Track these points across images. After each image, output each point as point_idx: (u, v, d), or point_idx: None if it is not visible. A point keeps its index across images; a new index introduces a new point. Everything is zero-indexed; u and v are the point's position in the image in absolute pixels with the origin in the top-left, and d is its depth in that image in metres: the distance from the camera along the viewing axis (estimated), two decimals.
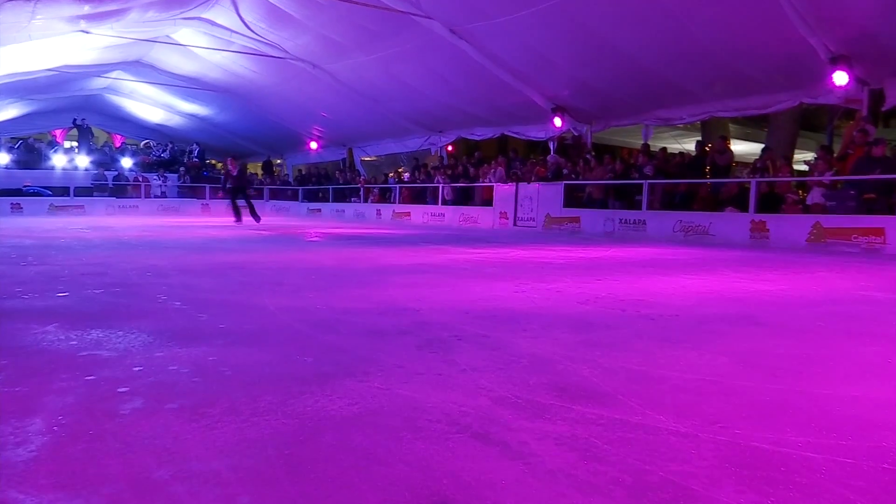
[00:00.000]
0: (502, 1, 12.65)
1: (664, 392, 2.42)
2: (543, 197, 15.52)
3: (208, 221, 18.77)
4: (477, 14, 13.41)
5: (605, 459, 1.78)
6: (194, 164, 28.20)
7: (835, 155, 12.33)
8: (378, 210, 21.78)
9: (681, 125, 17.37)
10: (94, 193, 23.94)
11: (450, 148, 22.44)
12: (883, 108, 12.17)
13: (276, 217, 23.81)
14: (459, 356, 2.90)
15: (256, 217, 15.60)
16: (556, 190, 15.28)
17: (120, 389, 2.34)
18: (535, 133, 18.06)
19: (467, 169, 19.47)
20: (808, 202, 11.67)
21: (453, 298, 4.58)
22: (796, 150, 17.84)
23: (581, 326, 3.64)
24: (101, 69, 21.98)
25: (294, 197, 26.93)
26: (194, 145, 28.91)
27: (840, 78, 11.07)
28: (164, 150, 28.68)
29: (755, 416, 2.16)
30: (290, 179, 29.39)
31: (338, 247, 9.83)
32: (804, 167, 16.84)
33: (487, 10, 13.16)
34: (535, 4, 12.31)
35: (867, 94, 11.77)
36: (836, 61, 11.00)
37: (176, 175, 26.94)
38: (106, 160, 26.81)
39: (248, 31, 17.31)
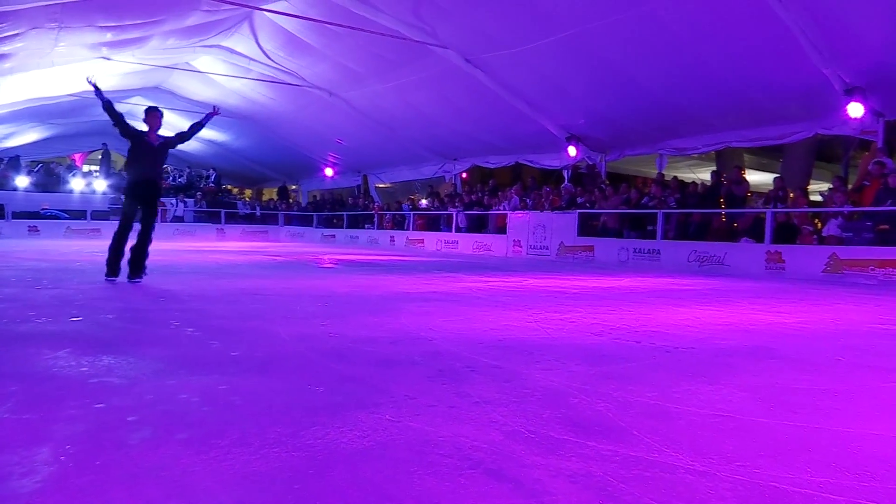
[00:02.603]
0: (517, 31, 12.77)
1: (681, 428, 2.37)
2: (557, 225, 15.50)
3: (223, 246, 18.89)
4: (492, 44, 13.55)
5: (620, 498, 1.73)
6: (211, 189, 28.50)
7: (850, 187, 12.24)
8: (392, 237, 21.84)
9: (695, 155, 17.35)
10: (111, 217, 24.18)
11: (464, 175, 22.54)
12: None
13: (291, 243, 23.94)
14: (472, 388, 2.86)
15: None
16: (570, 218, 15.26)
17: (129, 418, 2.32)
18: (549, 161, 18.11)
19: (482, 197, 19.51)
20: (824, 233, 11.57)
21: (466, 328, 4.54)
22: (811, 181, 17.75)
23: (595, 358, 3.59)
24: (121, 95, 22.34)
25: (309, 223, 27.08)
26: (211, 170, 29.24)
27: (855, 109, 11.05)
28: (181, 175, 29.01)
29: (775, 455, 2.10)
30: (305, 205, 29.59)
31: (351, 273, 9.83)
32: (819, 198, 16.74)
33: (502, 40, 13.29)
34: (549, 35, 12.43)
35: (882, 126, 11.73)
36: (851, 92, 10.99)
37: (192, 200, 27.22)
38: (124, 184, 27.10)
39: (267, 58, 17.59)
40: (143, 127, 7.30)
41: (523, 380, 3.03)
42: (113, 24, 13.43)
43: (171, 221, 25.38)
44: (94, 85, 7.13)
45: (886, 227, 10.54)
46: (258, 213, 28.05)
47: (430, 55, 14.69)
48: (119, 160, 30.45)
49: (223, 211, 26.53)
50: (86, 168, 29.09)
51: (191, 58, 18.97)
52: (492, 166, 20.55)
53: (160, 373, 3.02)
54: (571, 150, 16.46)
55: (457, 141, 19.48)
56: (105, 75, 18.23)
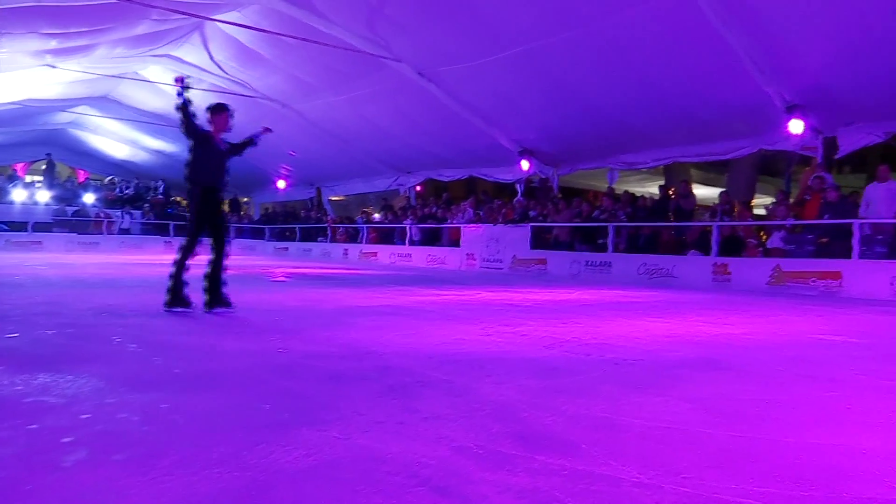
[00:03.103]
0: (470, 46, 12.88)
1: (628, 441, 2.39)
2: (510, 238, 15.61)
3: (172, 259, 18.43)
4: (446, 58, 13.63)
5: None
6: (159, 200, 27.87)
7: (792, 200, 12.67)
8: (345, 250, 21.68)
9: (645, 169, 17.72)
10: (54, 229, 23.45)
11: (419, 188, 22.56)
12: (836, 156, 12.60)
13: (242, 256, 23.54)
14: (422, 403, 2.84)
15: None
16: (522, 232, 15.39)
17: (64, 439, 2.23)
18: (502, 175, 18.26)
19: (436, 210, 19.54)
20: (769, 246, 11.92)
21: (418, 342, 4.52)
22: (756, 195, 18.31)
23: (546, 372, 3.60)
24: (66, 104, 21.76)
25: (261, 235, 26.69)
26: (160, 182, 28.60)
27: (796, 126, 11.45)
28: (128, 187, 28.30)
29: (719, 466, 2.13)
30: (258, 218, 29.17)
31: (303, 287, 9.71)
32: (764, 212, 17.28)
33: (456, 55, 13.39)
34: (502, 50, 12.57)
35: (822, 142, 12.19)
36: (792, 110, 11.39)
37: (140, 212, 26.56)
38: (68, 195, 26.34)
39: (218, 69, 17.34)
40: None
41: (474, 394, 3.02)
42: (57, 32, 13.07)
43: (117, 234, 24.71)
44: (182, 84, 6.17)
45: (826, 239, 10.93)
46: None
47: (384, 68, 14.69)
48: (63, 170, 29.65)
49: (172, 223, 25.95)
50: (28, 178, 28.14)
51: (140, 67, 18.59)
52: (446, 179, 20.62)
53: (99, 391, 2.92)
54: (524, 164, 16.63)
55: (411, 154, 19.50)
56: (49, 83, 17.77)
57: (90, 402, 2.73)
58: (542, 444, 2.30)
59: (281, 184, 25.94)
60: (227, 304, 5.96)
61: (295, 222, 25.49)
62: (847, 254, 10.37)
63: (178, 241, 22.55)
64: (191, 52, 16.81)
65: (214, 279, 5.96)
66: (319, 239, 23.63)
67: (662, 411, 2.81)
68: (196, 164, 5.96)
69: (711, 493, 1.89)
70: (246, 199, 31.13)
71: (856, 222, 10.44)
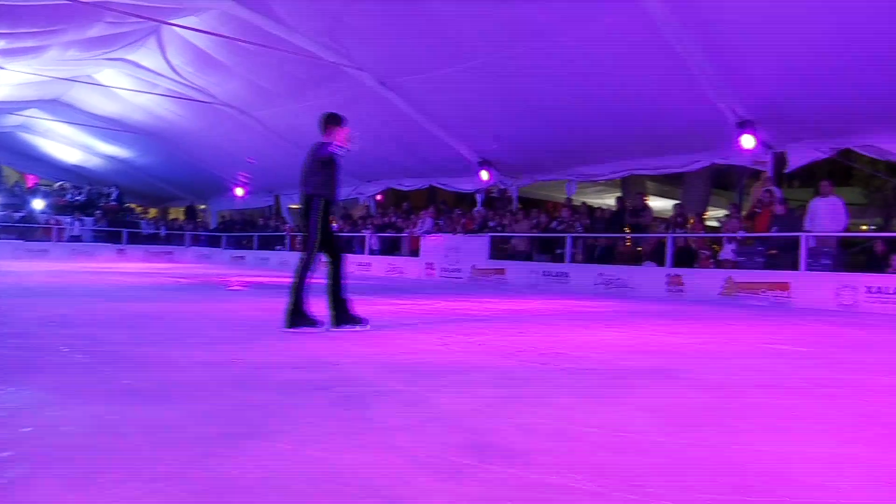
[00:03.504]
0: (431, 56, 12.93)
1: (580, 450, 2.41)
2: (470, 249, 15.67)
3: (124, 267, 18.03)
4: (407, 68, 13.66)
5: None
6: (112, 207, 27.20)
7: (744, 213, 13.01)
8: None
9: (602, 181, 17.99)
10: (0, 236, 22.69)
11: (379, 197, 22.50)
12: (786, 171, 12.99)
13: (198, 264, 23.15)
14: (377, 413, 2.82)
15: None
16: (482, 242, 15.46)
17: (2, 454, 2.15)
18: (462, 185, 18.33)
19: (395, 220, 19.50)
20: (721, 257, 12.21)
21: (375, 352, 4.50)
22: (709, 208, 18.75)
23: (502, 381, 3.62)
24: (14, 106, 21.15)
25: (217, 244, 26.24)
26: (113, 188, 27.95)
27: (747, 141, 11.76)
28: (80, 193, 27.57)
29: (668, 474, 2.17)
30: (214, 226, 28.70)
31: (260, 296, 9.58)
32: (716, 224, 17.70)
33: (417, 65, 13.43)
34: (463, 61, 12.65)
35: (772, 157, 12.56)
36: (744, 125, 11.70)
37: (92, 218, 25.88)
38: (16, 201, 25.52)
39: (175, 74, 17.07)
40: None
41: (428, 404, 3.02)
42: (6, 32, 12.71)
43: (67, 241, 24.01)
44: (344, 148, 5.75)
45: (775, 252, 11.24)
46: (163, 234, 26.95)
47: (344, 76, 14.65)
48: (11, 175, 28.75)
49: (125, 230, 25.36)
50: None
51: (93, 70, 18.18)
52: (406, 189, 20.61)
53: (43, 403, 2.83)
54: (484, 175, 16.73)
55: (371, 163, 19.40)
56: None
57: (33, 414, 2.65)
58: (495, 454, 2.31)
59: (239, 191, 25.57)
60: (357, 321, 5.63)
61: (253, 230, 25.16)
62: (795, 265, 10.68)
63: (132, 249, 21.88)
64: (147, 56, 16.51)
65: (338, 295, 5.64)
66: (277, 248, 23.34)
67: (615, 420, 2.85)
68: (323, 177, 5.64)
69: (658, 501, 1.92)
70: (202, 207, 30.62)
71: (803, 235, 10.77)
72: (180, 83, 17.55)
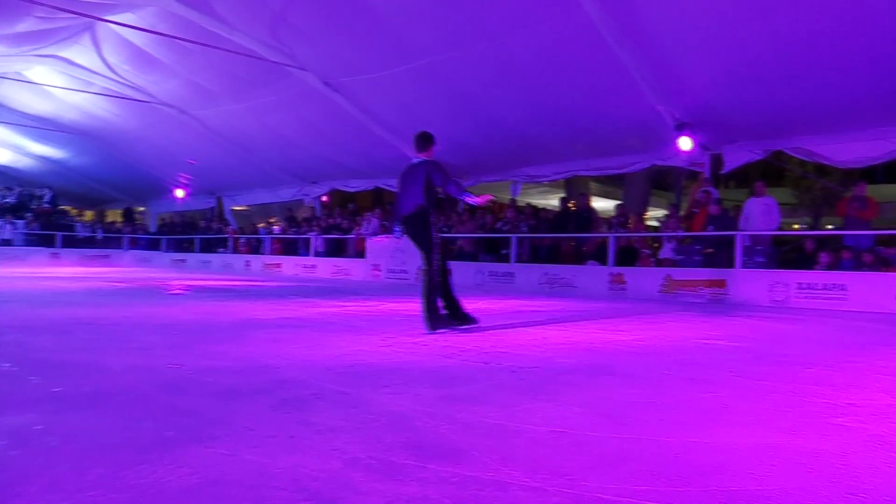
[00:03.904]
0: (376, 57, 12.89)
1: (519, 446, 2.44)
2: (416, 250, 15.61)
3: (58, 272, 17.38)
4: (351, 68, 13.58)
5: None
6: (45, 209, 26.20)
7: (682, 213, 13.38)
8: (247, 261, 21.09)
9: (546, 182, 18.22)
10: None
11: (325, 198, 22.28)
12: (722, 172, 13.42)
13: (137, 268, 22.51)
14: (316, 416, 2.80)
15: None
16: None
17: None
18: None
19: (341, 221, 19.34)
20: (661, 256, 12.52)
21: (317, 354, 4.45)
22: (650, 208, 19.20)
23: (444, 381, 3.63)
24: None
25: (157, 247, 25.55)
26: (46, 190, 26.92)
27: (685, 143, 12.10)
28: (10, 195, 26.46)
29: (602, 467, 2.22)
30: (153, 228, 27.94)
31: (200, 300, 9.37)
32: (657, 223, 18.14)
33: (361, 66, 13.36)
34: (407, 63, 12.64)
35: (709, 159, 12.95)
36: (681, 128, 12.03)
37: (24, 221, 24.87)
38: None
39: (111, 72, 16.56)
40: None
41: (370, 405, 3.01)
42: None
43: None
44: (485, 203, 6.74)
45: (712, 250, 11.60)
46: (100, 237, 26.10)
47: (287, 76, 14.46)
48: None
49: (59, 234, 24.47)
50: None
51: (23, 67, 17.48)
52: (352, 190, 20.47)
53: None
54: None
55: (316, 164, 19.25)
56: None
57: None
58: (435, 453, 2.32)
59: (179, 193, 24.97)
60: (473, 320, 6.18)
61: (194, 233, 24.59)
62: (731, 263, 11.04)
63: (66, 253, 21.08)
64: (81, 53, 15.97)
65: (451, 297, 6.19)
66: (220, 250, 22.89)
67: (553, 416, 2.89)
68: (432, 192, 6.22)
69: (594, 494, 1.96)
70: (141, 209, 29.78)
71: (738, 234, 11.14)
72: (117, 81, 17.05)
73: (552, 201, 20.64)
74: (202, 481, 1.99)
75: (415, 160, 6.43)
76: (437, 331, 5.81)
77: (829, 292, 9.99)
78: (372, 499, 1.88)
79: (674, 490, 2.01)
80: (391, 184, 18.62)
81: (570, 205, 15.74)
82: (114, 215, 30.74)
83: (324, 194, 21.77)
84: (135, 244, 26.06)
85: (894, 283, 9.53)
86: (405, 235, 6.62)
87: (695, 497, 1.96)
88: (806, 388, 3.65)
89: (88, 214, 31.63)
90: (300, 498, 1.87)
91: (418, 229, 6.26)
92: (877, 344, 5.98)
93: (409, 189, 6.27)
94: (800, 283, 10.27)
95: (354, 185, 19.98)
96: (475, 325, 6.21)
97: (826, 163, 12.51)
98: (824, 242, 11.97)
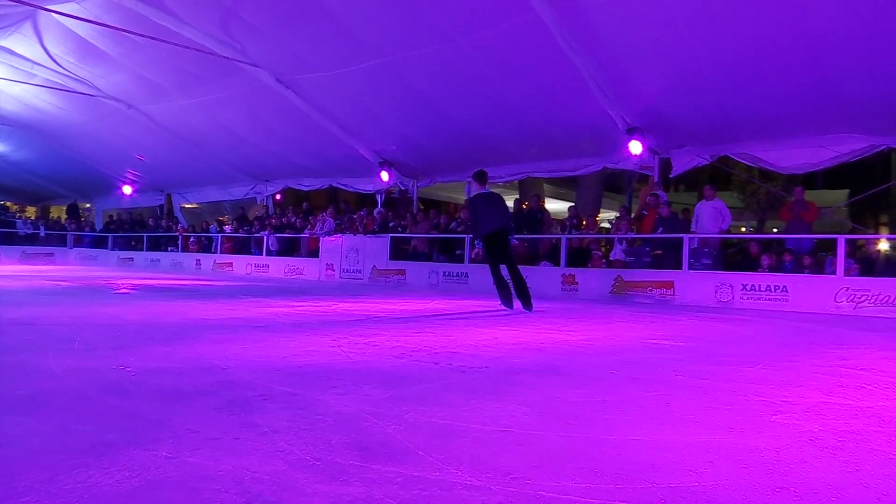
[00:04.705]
0: (330, 55, 12.79)
1: (464, 445, 2.46)
2: (370, 249, 15.60)
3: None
4: (305, 66, 13.44)
5: None
6: None
7: (633, 215, 13.63)
8: (198, 260, 20.68)
9: (500, 183, 18.33)
10: None
11: (278, 197, 22.01)
12: (671, 175, 13.73)
13: (82, 266, 21.86)
14: (261, 417, 2.77)
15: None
16: (382, 242, 15.43)
17: None
18: (363, 186, 18.23)
19: (294, 220, 19.13)
20: (611, 258, 12.74)
21: (265, 355, 4.40)
22: (601, 210, 19.51)
23: (392, 381, 3.63)
24: None
25: (104, 245, 24.84)
26: None
27: (635, 147, 12.35)
28: None
29: (546, 465, 2.25)
30: (99, 226, 27.15)
31: (148, 299, 9.16)
32: (608, 225, 18.44)
33: (315, 63, 13.24)
34: (360, 62, 12.58)
35: (658, 162, 13.23)
36: (632, 132, 12.28)
37: None
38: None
39: (54, 63, 16.04)
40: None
41: (316, 406, 2.99)
42: None
43: None
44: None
45: (660, 252, 11.86)
46: (42, 234, 25.24)
47: (239, 72, 14.24)
48: None
49: None
50: None
51: None
52: (306, 188, 20.26)
53: None
54: (384, 175, 16.72)
55: (269, 162, 19.00)
56: None
57: None
58: (380, 453, 2.32)
59: (126, 189, 24.37)
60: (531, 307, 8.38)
61: (142, 231, 24.00)
62: (678, 265, 11.30)
63: (6, 251, 20.42)
64: (21, 42, 15.42)
65: (523, 288, 8.39)
66: (169, 249, 22.38)
67: (499, 416, 2.92)
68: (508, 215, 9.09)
69: (536, 492, 1.99)
70: (87, 206, 28.92)
71: (685, 236, 11.42)
72: (61, 73, 16.52)
73: (507, 202, 20.78)
74: (142, 484, 1.95)
75: (484, 190, 8.83)
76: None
77: (772, 293, 10.32)
78: (315, 500, 1.87)
79: (616, 487, 2.05)
80: (345, 183, 18.55)
81: (523, 205, 15.88)
82: (58, 212, 29.79)
83: (277, 193, 21.51)
84: (80, 242, 25.28)
85: (831, 285, 9.90)
86: (485, 244, 8.58)
87: (636, 494, 2.01)
88: (746, 387, 3.77)
89: (30, 211, 30.58)
90: (242, 500, 1.85)
91: (505, 242, 8.50)
92: (814, 343, 6.20)
93: (491, 211, 8.47)
94: (744, 285, 10.58)
95: (308, 184, 19.79)
96: (428, 325, 6.22)
97: (769, 168, 12.92)
98: (767, 245, 12.36)
